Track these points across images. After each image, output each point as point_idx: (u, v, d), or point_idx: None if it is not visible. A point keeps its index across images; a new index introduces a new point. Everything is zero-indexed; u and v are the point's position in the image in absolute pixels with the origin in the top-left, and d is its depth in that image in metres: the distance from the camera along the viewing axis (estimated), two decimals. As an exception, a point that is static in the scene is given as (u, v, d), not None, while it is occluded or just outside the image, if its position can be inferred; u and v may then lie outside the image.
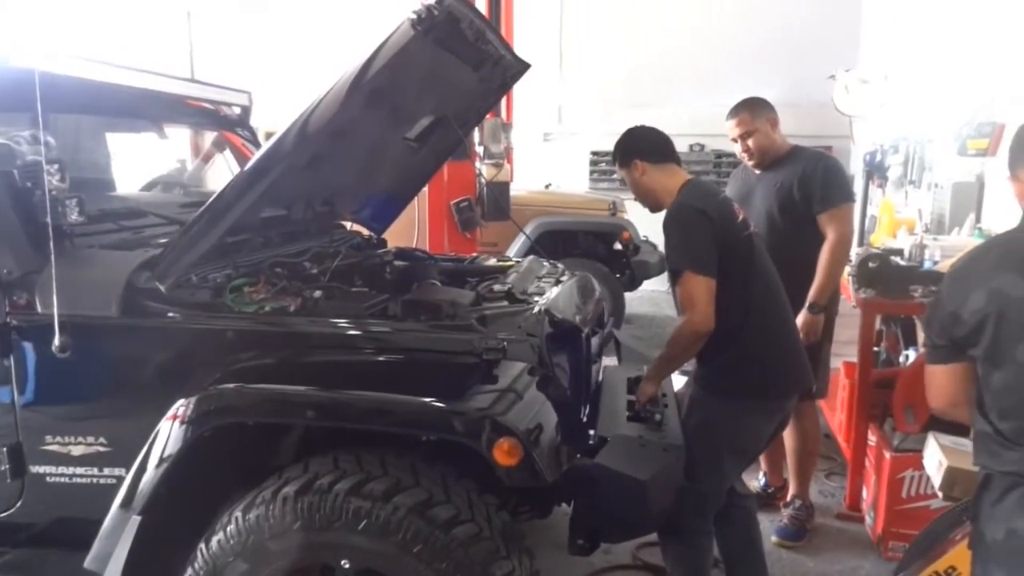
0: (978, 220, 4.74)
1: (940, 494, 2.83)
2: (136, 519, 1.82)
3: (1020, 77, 4.47)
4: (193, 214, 2.22)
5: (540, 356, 1.97)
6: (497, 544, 1.75)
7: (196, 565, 1.81)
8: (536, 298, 2.28)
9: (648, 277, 6.37)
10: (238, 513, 1.77)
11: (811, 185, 3.08)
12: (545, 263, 2.93)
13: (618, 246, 6.30)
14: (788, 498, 3.39)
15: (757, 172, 3.25)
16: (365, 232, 3.35)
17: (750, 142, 3.18)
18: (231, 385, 1.81)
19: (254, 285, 2.18)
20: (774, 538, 3.23)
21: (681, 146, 9.23)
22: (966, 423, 1.76)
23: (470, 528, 1.72)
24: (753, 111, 3.18)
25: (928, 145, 5.84)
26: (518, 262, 2.96)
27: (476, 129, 5.26)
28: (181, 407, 1.79)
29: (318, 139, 1.95)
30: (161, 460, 1.79)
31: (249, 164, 2.07)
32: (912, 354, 3.94)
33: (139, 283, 1.99)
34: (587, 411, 2.35)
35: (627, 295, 6.60)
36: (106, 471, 2.01)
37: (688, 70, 8.41)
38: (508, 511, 1.97)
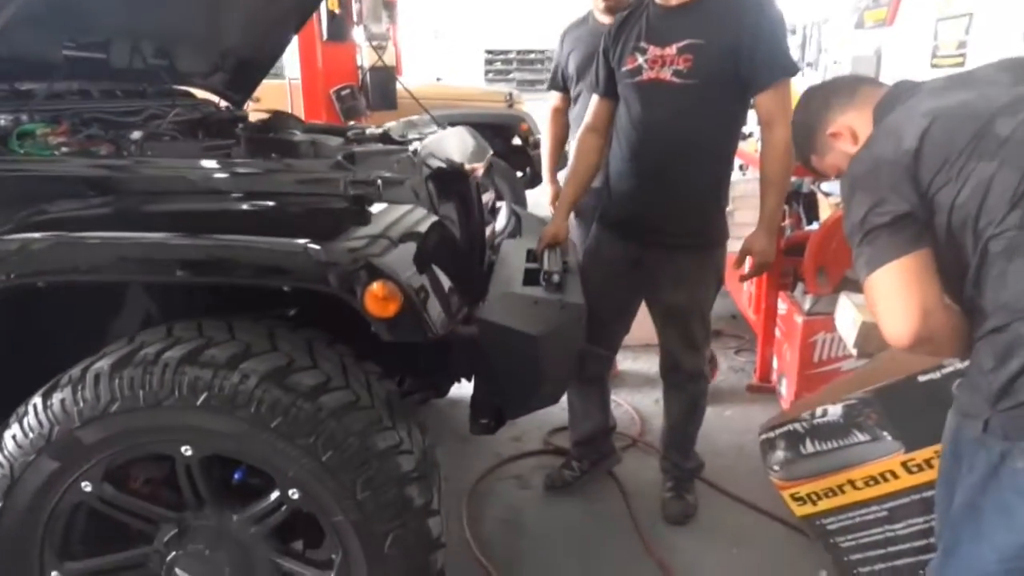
0: (876, 93, 4.69)
1: (855, 351, 2.74)
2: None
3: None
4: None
5: (422, 198, 1.64)
6: (380, 414, 1.44)
7: None
8: (416, 142, 1.92)
9: (549, 173, 6.08)
10: (36, 400, 1.38)
11: None
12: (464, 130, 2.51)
13: (517, 141, 5.95)
14: None
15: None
16: (222, 104, 2.86)
17: None
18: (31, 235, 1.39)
19: (53, 130, 1.72)
20: None
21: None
22: (949, 354, 1.37)
23: (343, 395, 1.40)
24: None
25: (824, 26, 5.75)
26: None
27: (355, 7, 4.73)
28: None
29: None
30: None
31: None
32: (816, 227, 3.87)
33: None
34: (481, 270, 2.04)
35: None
36: None
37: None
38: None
